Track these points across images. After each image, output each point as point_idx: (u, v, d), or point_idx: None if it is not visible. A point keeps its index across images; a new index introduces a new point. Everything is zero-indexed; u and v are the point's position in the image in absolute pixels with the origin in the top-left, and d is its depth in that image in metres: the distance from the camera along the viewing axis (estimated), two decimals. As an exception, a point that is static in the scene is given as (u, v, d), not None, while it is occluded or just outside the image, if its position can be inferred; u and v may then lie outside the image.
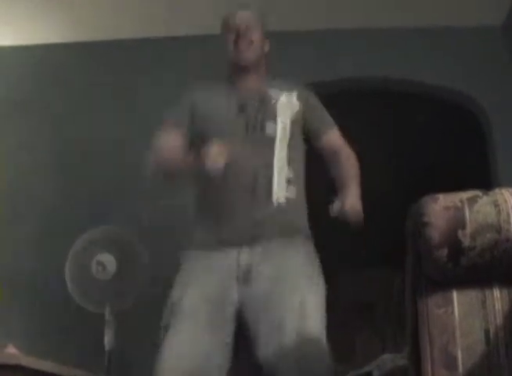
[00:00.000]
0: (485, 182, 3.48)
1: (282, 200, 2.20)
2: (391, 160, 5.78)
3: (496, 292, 1.46)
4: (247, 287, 2.14)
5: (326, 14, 4.04)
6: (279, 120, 2.29)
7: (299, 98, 2.38)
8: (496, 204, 1.42)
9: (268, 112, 2.31)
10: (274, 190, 2.20)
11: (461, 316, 1.45)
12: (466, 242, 1.41)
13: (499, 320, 1.43)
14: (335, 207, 2.15)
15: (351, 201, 2.15)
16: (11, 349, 2.85)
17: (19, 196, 4.04)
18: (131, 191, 3.99)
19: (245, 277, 2.15)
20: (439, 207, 1.44)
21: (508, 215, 1.40)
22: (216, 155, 2.06)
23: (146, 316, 3.62)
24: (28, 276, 3.85)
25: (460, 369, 1.41)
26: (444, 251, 1.42)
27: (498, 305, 1.45)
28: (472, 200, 1.44)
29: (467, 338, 1.43)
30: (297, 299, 2.08)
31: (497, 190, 1.46)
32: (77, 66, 4.28)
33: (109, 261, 3.33)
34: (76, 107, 4.21)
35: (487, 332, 1.43)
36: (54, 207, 4.00)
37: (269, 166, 2.22)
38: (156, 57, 4.27)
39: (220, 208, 2.24)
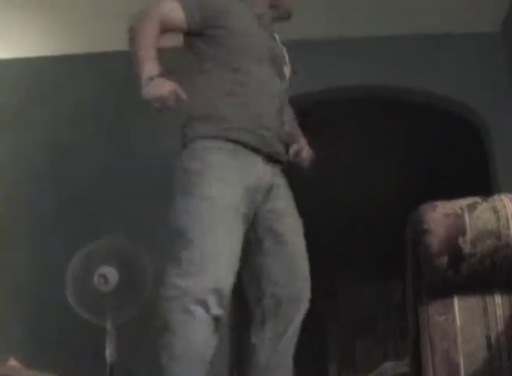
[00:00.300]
0: (485, 189, 3.48)
1: (286, 128, 2.28)
2: (393, 168, 5.78)
3: (497, 298, 1.46)
4: (264, 203, 2.17)
5: (331, 23, 4.05)
6: (286, 69, 2.37)
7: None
8: (496, 210, 1.42)
9: (283, 55, 2.38)
10: (284, 119, 2.26)
11: (462, 323, 1.45)
12: (467, 249, 1.41)
13: (501, 327, 1.43)
14: (292, 152, 2.34)
15: (307, 149, 2.38)
16: (12, 362, 2.85)
17: (17, 207, 4.04)
18: (130, 200, 3.99)
19: (265, 194, 2.17)
20: (439, 215, 1.44)
21: (507, 220, 1.40)
22: (166, 94, 2.09)
23: (148, 328, 3.63)
24: (28, 289, 3.84)
25: (462, 375, 1.41)
26: (444, 259, 1.42)
27: (499, 312, 1.45)
28: (471, 207, 1.44)
29: (469, 344, 1.43)
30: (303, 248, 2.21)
31: (496, 197, 1.46)
32: (71, 77, 4.29)
33: (111, 273, 3.32)
34: (72, 117, 4.22)
35: (488, 338, 1.43)
36: (53, 219, 4.00)
37: (283, 97, 2.30)
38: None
39: (256, 112, 2.19)
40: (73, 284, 3.31)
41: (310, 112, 4.57)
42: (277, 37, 2.44)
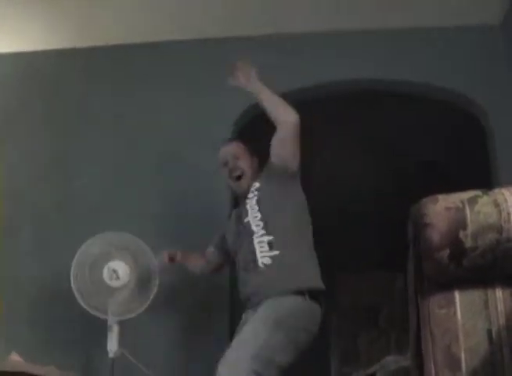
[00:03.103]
0: (486, 182, 3.48)
1: (267, 261, 2.69)
2: (392, 161, 5.78)
3: (499, 292, 1.46)
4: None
5: (327, 15, 4.04)
6: (249, 213, 2.80)
7: (260, 180, 2.86)
8: (497, 204, 1.42)
9: (247, 213, 2.82)
10: (257, 258, 2.70)
11: (463, 317, 1.45)
12: (468, 243, 1.41)
13: (502, 320, 1.43)
14: None
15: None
16: (14, 357, 2.85)
17: (19, 203, 4.04)
18: (133, 197, 3.99)
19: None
20: (440, 208, 1.43)
21: (509, 214, 1.40)
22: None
23: (150, 323, 3.64)
24: (30, 284, 3.85)
25: (464, 369, 1.41)
26: (445, 252, 1.42)
27: (500, 306, 1.45)
28: (472, 201, 1.43)
29: (470, 338, 1.43)
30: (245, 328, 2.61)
31: (497, 190, 1.46)
32: (68, 72, 4.28)
33: (121, 268, 3.32)
34: (70, 113, 4.21)
35: (490, 332, 1.43)
36: (55, 215, 4.00)
37: (251, 244, 2.73)
38: (148, 63, 4.27)
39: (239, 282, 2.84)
40: (80, 276, 3.31)
41: (305, 107, 4.58)
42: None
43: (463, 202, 1.43)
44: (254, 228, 2.75)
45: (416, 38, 4.12)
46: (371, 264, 6.51)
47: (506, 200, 1.42)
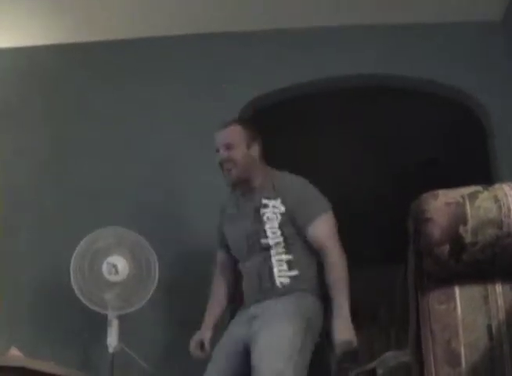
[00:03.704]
0: (486, 178, 3.48)
1: (284, 280, 2.65)
2: (392, 157, 5.78)
3: (498, 287, 1.46)
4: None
5: (327, 11, 4.04)
6: (267, 227, 2.67)
7: (283, 201, 2.68)
8: (497, 199, 1.42)
9: (260, 223, 2.69)
10: (275, 277, 2.65)
11: (463, 312, 1.45)
12: (468, 238, 1.41)
13: (502, 316, 1.43)
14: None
15: (340, 333, 2.55)
16: (14, 352, 2.86)
17: (19, 197, 4.04)
18: (132, 192, 3.99)
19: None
20: (440, 204, 1.43)
21: (509, 209, 1.40)
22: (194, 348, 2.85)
23: (150, 318, 3.64)
24: (30, 279, 3.85)
25: (463, 365, 1.41)
26: (445, 248, 1.42)
27: (500, 301, 1.45)
28: (473, 196, 1.43)
29: (470, 333, 1.43)
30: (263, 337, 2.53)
31: (497, 185, 1.46)
32: (68, 67, 4.27)
33: (121, 263, 3.32)
34: (70, 108, 4.21)
35: (490, 328, 1.43)
36: (55, 210, 4.00)
37: (268, 266, 2.67)
38: (145, 57, 4.27)
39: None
40: (79, 271, 3.31)
41: (305, 103, 4.59)
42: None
43: (463, 197, 1.43)
44: (270, 242, 2.68)
45: (416, 34, 4.12)
46: (371, 260, 6.51)
47: (506, 196, 1.42)
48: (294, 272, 2.65)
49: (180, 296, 3.76)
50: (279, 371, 2.39)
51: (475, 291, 1.46)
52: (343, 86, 4.32)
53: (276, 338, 2.48)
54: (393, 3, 3.96)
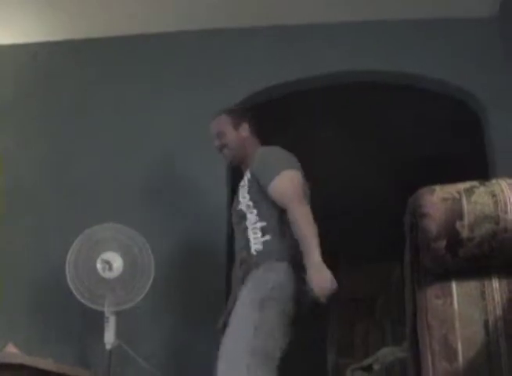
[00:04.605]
0: (483, 173, 3.48)
1: (258, 247, 2.69)
2: (389, 154, 5.78)
3: (495, 283, 1.46)
4: None
5: (322, 6, 4.04)
6: (240, 194, 2.83)
7: (250, 168, 2.83)
8: (493, 195, 1.42)
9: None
10: (251, 245, 2.71)
11: (460, 308, 1.45)
12: (465, 233, 1.41)
13: (499, 311, 1.43)
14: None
15: (314, 281, 2.50)
16: (11, 348, 2.86)
17: (16, 195, 4.04)
18: (130, 188, 3.99)
19: None
20: (437, 199, 1.43)
21: (505, 204, 1.40)
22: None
23: (147, 314, 3.64)
24: (27, 275, 3.85)
25: (460, 360, 1.41)
26: (442, 243, 1.42)
27: (497, 296, 1.45)
28: (469, 191, 1.43)
29: (467, 329, 1.43)
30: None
31: (494, 181, 1.46)
32: (69, 64, 4.28)
33: (115, 259, 3.32)
34: (69, 105, 4.21)
35: (486, 323, 1.43)
36: (53, 206, 4.00)
37: (246, 231, 2.76)
38: (144, 54, 4.26)
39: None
40: (74, 269, 3.31)
41: (302, 100, 4.59)
42: None
43: (459, 193, 1.43)
44: (243, 208, 2.79)
45: (412, 30, 4.12)
46: (367, 255, 6.52)
47: (502, 191, 1.42)
48: (267, 238, 2.69)
49: (177, 292, 3.76)
50: (230, 356, 2.46)
51: (472, 286, 1.46)
52: (338, 82, 4.31)
53: (233, 324, 2.56)
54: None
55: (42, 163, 4.10)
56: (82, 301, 3.29)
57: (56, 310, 3.74)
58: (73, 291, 3.28)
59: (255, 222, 2.73)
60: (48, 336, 3.69)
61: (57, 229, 3.91)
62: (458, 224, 1.41)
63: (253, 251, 2.69)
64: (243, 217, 2.78)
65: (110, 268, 3.30)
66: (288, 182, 2.71)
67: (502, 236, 1.40)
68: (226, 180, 3.93)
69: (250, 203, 2.76)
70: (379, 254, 6.19)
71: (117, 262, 3.32)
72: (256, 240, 2.70)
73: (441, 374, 1.40)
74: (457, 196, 1.43)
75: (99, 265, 3.30)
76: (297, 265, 2.60)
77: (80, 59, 4.28)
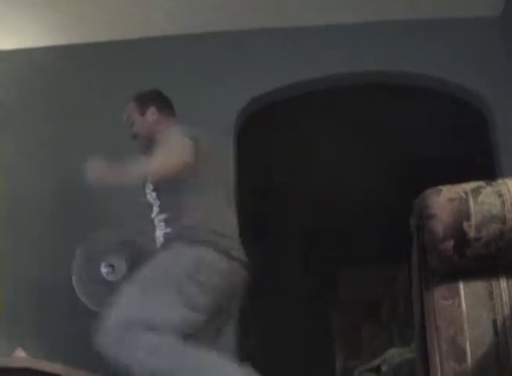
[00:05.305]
0: (489, 174, 3.47)
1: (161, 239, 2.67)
2: (394, 155, 5.77)
3: (503, 283, 1.46)
4: None
5: (325, 8, 4.04)
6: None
7: None
8: (500, 195, 1.42)
9: None
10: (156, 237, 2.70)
11: (468, 308, 1.44)
12: (472, 233, 1.41)
13: (507, 311, 1.43)
14: None
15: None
16: (20, 353, 2.86)
17: (21, 197, 4.04)
18: (133, 191, 3.99)
19: None
20: (443, 200, 1.43)
21: (512, 204, 1.40)
22: None
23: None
24: (33, 279, 3.85)
25: (469, 361, 1.41)
26: (449, 244, 1.42)
27: (505, 296, 1.44)
28: (476, 192, 1.43)
29: (475, 329, 1.43)
30: None
31: (500, 181, 1.46)
32: (68, 68, 4.28)
33: (118, 263, 3.33)
34: (71, 109, 4.21)
35: (495, 323, 1.43)
36: (54, 211, 4.00)
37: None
38: (144, 58, 4.27)
39: None
40: (80, 273, 3.32)
41: (305, 101, 4.58)
42: None
43: (466, 193, 1.43)
44: (148, 198, 2.81)
45: (414, 31, 4.12)
46: (372, 258, 6.51)
47: (509, 191, 1.42)
48: (169, 229, 2.65)
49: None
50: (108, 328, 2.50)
51: (480, 286, 1.46)
52: (341, 84, 4.32)
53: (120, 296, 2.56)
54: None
55: (43, 168, 4.10)
56: (86, 303, 3.30)
57: (64, 314, 3.74)
58: (78, 294, 3.29)
59: (158, 214, 2.74)
60: (56, 340, 3.69)
61: (59, 233, 3.91)
62: (465, 224, 1.40)
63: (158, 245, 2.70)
64: (149, 206, 2.80)
65: (113, 271, 3.31)
66: (167, 155, 2.72)
67: (509, 235, 1.40)
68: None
69: (151, 188, 2.82)
70: (382, 256, 6.19)
71: (120, 266, 3.34)
72: (160, 232, 2.74)
73: (449, 375, 1.40)
74: (464, 196, 1.43)
75: (103, 269, 3.32)
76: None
77: (80, 65, 4.28)
